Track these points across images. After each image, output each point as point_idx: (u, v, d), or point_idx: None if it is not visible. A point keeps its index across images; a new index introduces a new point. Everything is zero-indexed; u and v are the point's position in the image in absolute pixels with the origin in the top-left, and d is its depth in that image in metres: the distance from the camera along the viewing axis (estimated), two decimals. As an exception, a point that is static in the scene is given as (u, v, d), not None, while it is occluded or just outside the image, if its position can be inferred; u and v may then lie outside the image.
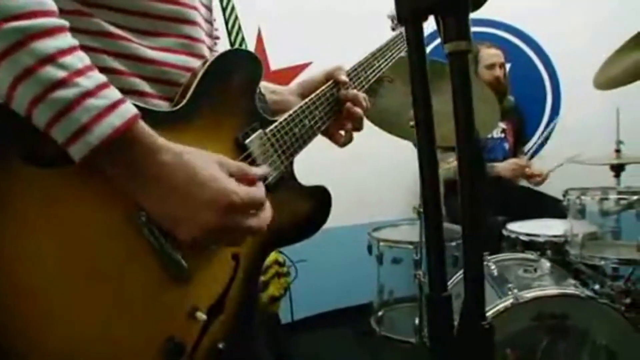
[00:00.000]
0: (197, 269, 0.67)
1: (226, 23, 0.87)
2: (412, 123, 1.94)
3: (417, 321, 2.07)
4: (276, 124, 0.80)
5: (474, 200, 0.50)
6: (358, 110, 0.91)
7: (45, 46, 0.53)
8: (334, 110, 0.91)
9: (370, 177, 2.83)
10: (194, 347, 0.67)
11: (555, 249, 2.07)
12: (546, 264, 1.85)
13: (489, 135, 2.85)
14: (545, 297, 1.57)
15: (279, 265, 2.26)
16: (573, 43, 2.95)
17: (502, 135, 2.88)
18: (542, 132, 3.00)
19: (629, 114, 2.31)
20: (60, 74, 0.54)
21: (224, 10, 0.86)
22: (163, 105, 0.71)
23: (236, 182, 0.64)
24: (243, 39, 0.89)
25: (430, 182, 0.53)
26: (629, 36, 1.98)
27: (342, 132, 0.94)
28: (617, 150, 2.26)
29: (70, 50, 0.56)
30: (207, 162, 0.63)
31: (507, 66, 2.86)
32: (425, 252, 1.94)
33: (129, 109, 0.58)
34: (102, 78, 0.58)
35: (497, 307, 1.56)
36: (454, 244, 2.22)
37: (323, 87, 0.90)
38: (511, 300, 1.55)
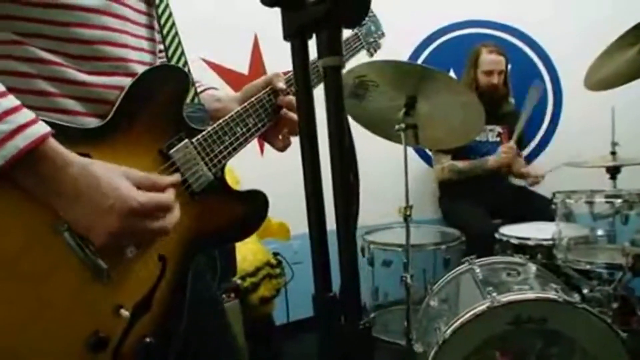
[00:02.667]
0: (120, 270, 0.73)
1: (163, 39, 0.90)
2: (397, 127, 1.99)
3: (405, 324, 2.07)
4: (203, 133, 0.84)
5: (346, 215, 0.53)
6: (293, 115, 0.95)
7: None
8: (271, 116, 0.94)
9: (363, 180, 2.84)
10: (120, 341, 0.73)
11: (545, 253, 2.06)
12: (532, 268, 1.84)
13: (484, 139, 2.84)
14: (522, 301, 1.56)
15: (271, 267, 2.29)
16: (573, 43, 2.92)
17: (498, 139, 2.86)
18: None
19: (625, 115, 2.27)
20: None
21: (161, 28, 0.90)
22: (92, 123, 0.76)
23: (141, 190, 0.69)
24: (182, 52, 0.92)
25: (313, 192, 0.56)
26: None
27: (280, 137, 0.97)
28: (613, 153, 2.23)
29: None
30: (111, 173, 0.68)
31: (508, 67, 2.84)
32: (409, 254, 1.97)
33: (36, 130, 0.63)
34: (11, 104, 0.64)
35: (474, 310, 1.56)
36: (444, 247, 2.22)
37: (259, 94, 0.93)
38: (488, 304, 1.56)
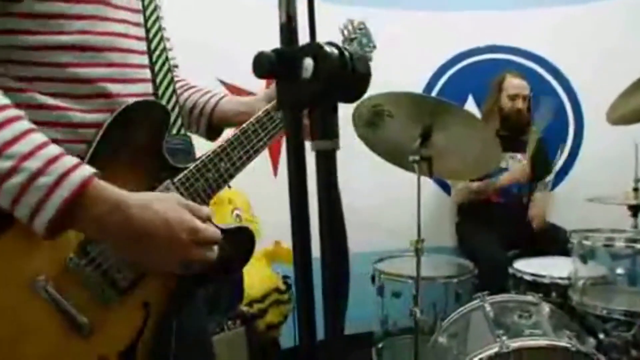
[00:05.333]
0: (101, 321, 0.73)
1: (153, 65, 0.89)
2: (412, 158, 1.96)
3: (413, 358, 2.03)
4: (185, 172, 0.82)
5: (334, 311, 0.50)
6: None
7: None
8: (274, 132, 0.92)
9: (374, 206, 2.83)
10: None
11: (560, 292, 2.00)
12: (545, 309, 1.78)
13: (505, 166, 2.78)
14: (533, 348, 1.51)
15: (280, 293, 2.27)
16: (595, 72, 2.85)
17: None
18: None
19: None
20: (7, 164, 0.62)
21: (151, 52, 0.89)
22: None
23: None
24: (172, 80, 0.91)
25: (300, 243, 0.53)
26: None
27: None
28: (636, 189, 2.15)
29: (15, 139, 0.64)
30: (170, 205, 0.70)
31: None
32: (419, 287, 1.93)
33: (78, 176, 0.65)
34: (52, 153, 0.65)
35: (480, 356, 1.51)
36: (455, 280, 2.17)
37: (258, 115, 0.91)
38: (496, 349, 1.51)
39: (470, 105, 3.00)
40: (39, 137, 0.66)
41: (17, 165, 0.62)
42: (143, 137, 0.79)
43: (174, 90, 0.93)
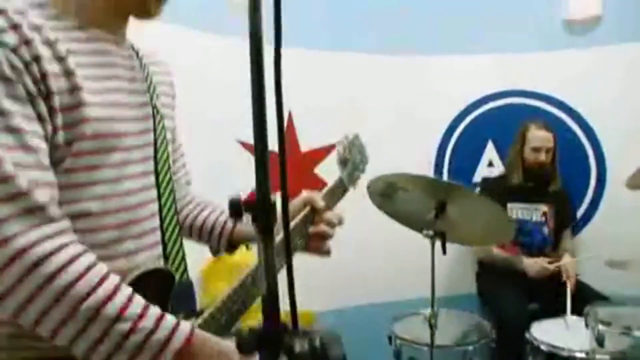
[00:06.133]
0: None
1: (163, 233, 0.95)
2: (425, 233, 1.96)
3: None
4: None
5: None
6: (323, 229, 1.13)
7: (110, 310, 0.72)
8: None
9: (387, 262, 2.84)
10: None
11: (579, 366, 1.97)
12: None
13: (528, 218, 2.74)
14: None
15: None
16: (620, 119, 2.77)
17: (543, 219, 2.76)
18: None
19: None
20: (127, 326, 0.72)
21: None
22: None
23: None
24: (181, 244, 0.97)
25: None
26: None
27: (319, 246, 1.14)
28: (658, 256, 2.10)
29: (128, 301, 0.74)
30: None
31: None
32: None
33: (183, 330, 0.76)
34: (157, 312, 0.76)
35: None
36: (471, 348, 2.16)
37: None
38: None
39: (490, 152, 2.97)
40: (140, 299, 0.76)
41: (134, 327, 0.73)
42: (149, 300, 0.83)
43: (182, 248, 0.98)
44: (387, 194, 2.03)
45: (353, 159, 1.35)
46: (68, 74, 0.78)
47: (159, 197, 0.96)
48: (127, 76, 0.91)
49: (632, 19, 2.81)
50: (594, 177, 2.92)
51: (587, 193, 2.92)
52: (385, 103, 2.86)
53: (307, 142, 2.72)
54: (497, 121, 2.94)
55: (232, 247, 1.19)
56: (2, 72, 0.71)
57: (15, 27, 0.73)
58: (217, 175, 2.13)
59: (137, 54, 0.99)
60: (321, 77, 2.71)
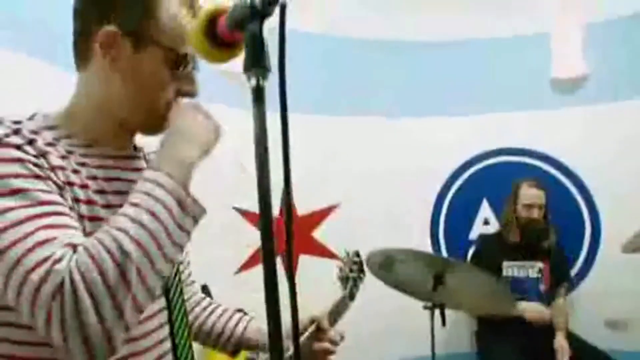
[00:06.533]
0: None
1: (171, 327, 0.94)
2: (424, 305, 1.98)
3: None
4: None
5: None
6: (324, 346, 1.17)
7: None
8: None
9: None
10: None
11: None
12: None
13: (524, 275, 2.74)
14: None
15: None
16: (615, 178, 2.81)
17: (539, 275, 2.76)
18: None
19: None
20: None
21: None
22: None
23: None
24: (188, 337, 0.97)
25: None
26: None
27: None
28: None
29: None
30: None
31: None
32: None
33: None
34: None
35: None
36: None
37: None
38: None
39: (485, 210, 2.99)
40: None
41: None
42: None
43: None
44: (385, 265, 2.05)
45: (353, 276, 1.48)
46: (83, 186, 0.81)
47: (169, 305, 0.95)
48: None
49: (620, 77, 2.88)
50: (588, 235, 2.94)
51: (582, 250, 2.94)
52: (378, 164, 2.91)
53: (304, 205, 2.73)
54: (491, 180, 2.98)
55: (237, 352, 1.19)
56: (32, 171, 0.74)
57: (31, 142, 0.76)
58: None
59: (145, 157, 1.00)
60: (315, 140, 2.73)
